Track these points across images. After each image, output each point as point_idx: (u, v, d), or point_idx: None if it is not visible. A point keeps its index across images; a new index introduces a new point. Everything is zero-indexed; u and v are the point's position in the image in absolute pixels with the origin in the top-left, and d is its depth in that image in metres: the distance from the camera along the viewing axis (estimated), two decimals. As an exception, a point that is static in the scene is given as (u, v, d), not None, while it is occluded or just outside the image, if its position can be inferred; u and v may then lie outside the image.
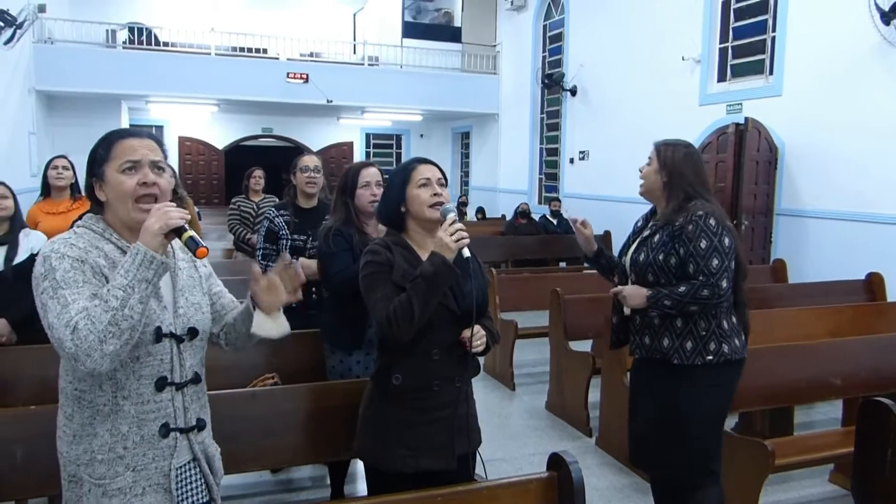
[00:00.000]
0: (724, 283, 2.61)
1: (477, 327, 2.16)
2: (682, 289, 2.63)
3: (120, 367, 1.69)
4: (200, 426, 1.87)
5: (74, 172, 4.63)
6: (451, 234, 2.08)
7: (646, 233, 2.84)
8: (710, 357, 2.68)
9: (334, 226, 3.07)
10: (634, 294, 2.76)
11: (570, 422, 4.94)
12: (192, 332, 1.82)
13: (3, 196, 3.60)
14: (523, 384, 5.85)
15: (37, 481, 2.51)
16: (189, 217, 1.72)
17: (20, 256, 3.57)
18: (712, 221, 2.62)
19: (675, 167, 2.74)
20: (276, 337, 1.93)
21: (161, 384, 1.75)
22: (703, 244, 2.61)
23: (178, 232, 1.64)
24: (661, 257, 2.72)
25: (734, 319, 2.76)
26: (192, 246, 1.64)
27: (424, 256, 2.18)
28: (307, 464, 3.87)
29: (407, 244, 2.26)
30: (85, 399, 1.73)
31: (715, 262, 2.60)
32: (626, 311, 2.91)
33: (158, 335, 1.73)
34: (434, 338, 2.18)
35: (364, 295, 2.23)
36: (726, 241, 2.63)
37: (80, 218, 1.83)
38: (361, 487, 3.75)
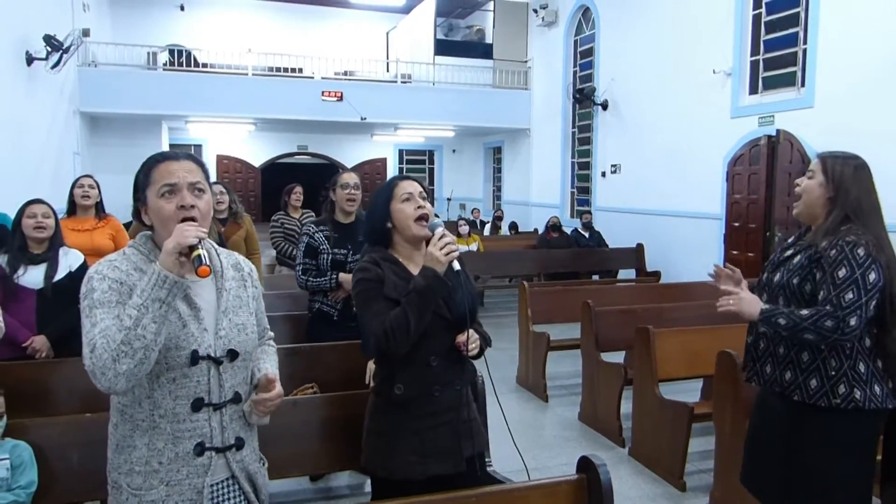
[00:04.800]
0: (854, 321, 2.26)
1: (471, 332, 2.27)
2: (804, 312, 2.32)
3: (157, 387, 1.73)
4: (239, 445, 1.86)
5: (100, 191, 4.73)
6: (441, 248, 2.19)
7: (788, 252, 2.56)
8: (838, 401, 2.35)
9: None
10: (749, 302, 2.45)
11: (603, 432, 4.98)
12: (232, 355, 1.82)
13: (46, 216, 3.69)
14: (556, 395, 5.90)
15: (91, 485, 2.64)
16: (205, 234, 1.71)
17: (59, 274, 3.67)
18: (861, 251, 2.30)
19: (842, 183, 2.42)
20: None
21: (198, 405, 1.77)
22: (842, 273, 2.30)
23: (193, 249, 1.64)
24: (795, 281, 2.45)
25: (879, 364, 2.40)
26: (197, 263, 1.63)
27: (412, 269, 2.31)
28: (345, 470, 3.97)
29: (395, 259, 2.36)
30: (126, 413, 1.78)
31: (849, 295, 2.27)
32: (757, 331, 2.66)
33: (195, 358, 1.74)
34: (431, 346, 2.28)
35: (358, 311, 2.36)
36: (871, 276, 2.29)
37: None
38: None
